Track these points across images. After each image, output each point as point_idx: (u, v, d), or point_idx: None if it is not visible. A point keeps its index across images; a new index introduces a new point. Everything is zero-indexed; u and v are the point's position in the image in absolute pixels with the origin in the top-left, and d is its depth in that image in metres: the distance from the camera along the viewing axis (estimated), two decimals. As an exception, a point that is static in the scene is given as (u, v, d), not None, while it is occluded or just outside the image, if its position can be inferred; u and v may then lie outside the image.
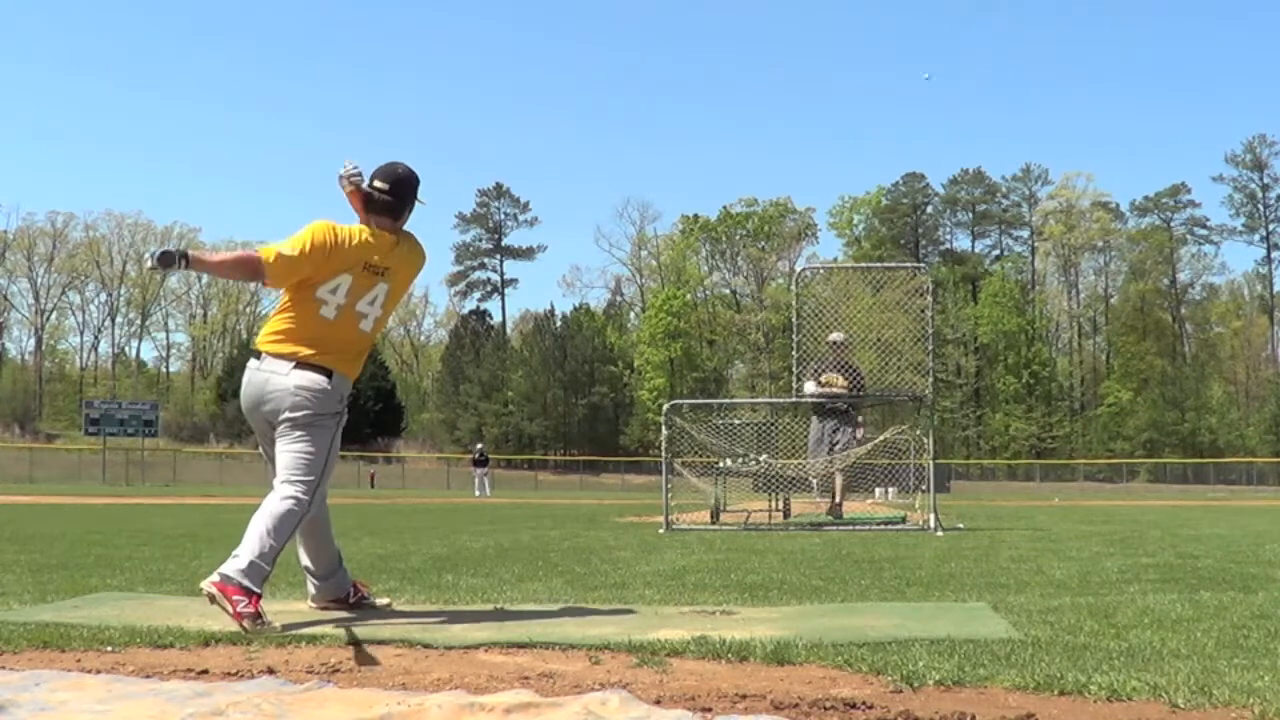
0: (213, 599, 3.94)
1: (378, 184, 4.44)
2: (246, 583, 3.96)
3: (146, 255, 4.14)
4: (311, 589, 4.57)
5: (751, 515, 12.50)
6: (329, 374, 4.28)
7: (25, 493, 30.24)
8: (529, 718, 2.53)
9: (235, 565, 4.00)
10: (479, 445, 45.93)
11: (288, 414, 4.27)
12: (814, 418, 12.36)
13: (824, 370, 11.88)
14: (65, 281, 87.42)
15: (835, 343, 11.75)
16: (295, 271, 4.25)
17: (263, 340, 4.36)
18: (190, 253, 4.20)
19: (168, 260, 4.07)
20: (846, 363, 11.84)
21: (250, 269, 4.29)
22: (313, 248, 4.26)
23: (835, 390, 11.84)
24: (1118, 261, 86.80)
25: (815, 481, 12.82)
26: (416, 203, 4.56)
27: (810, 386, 12.00)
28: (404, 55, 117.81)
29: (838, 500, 12.35)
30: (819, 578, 5.98)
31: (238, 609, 3.88)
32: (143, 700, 2.74)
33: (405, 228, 4.55)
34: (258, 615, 3.92)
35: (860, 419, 12.36)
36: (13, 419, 76.22)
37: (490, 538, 9.83)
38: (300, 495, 4.21)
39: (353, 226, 4.44)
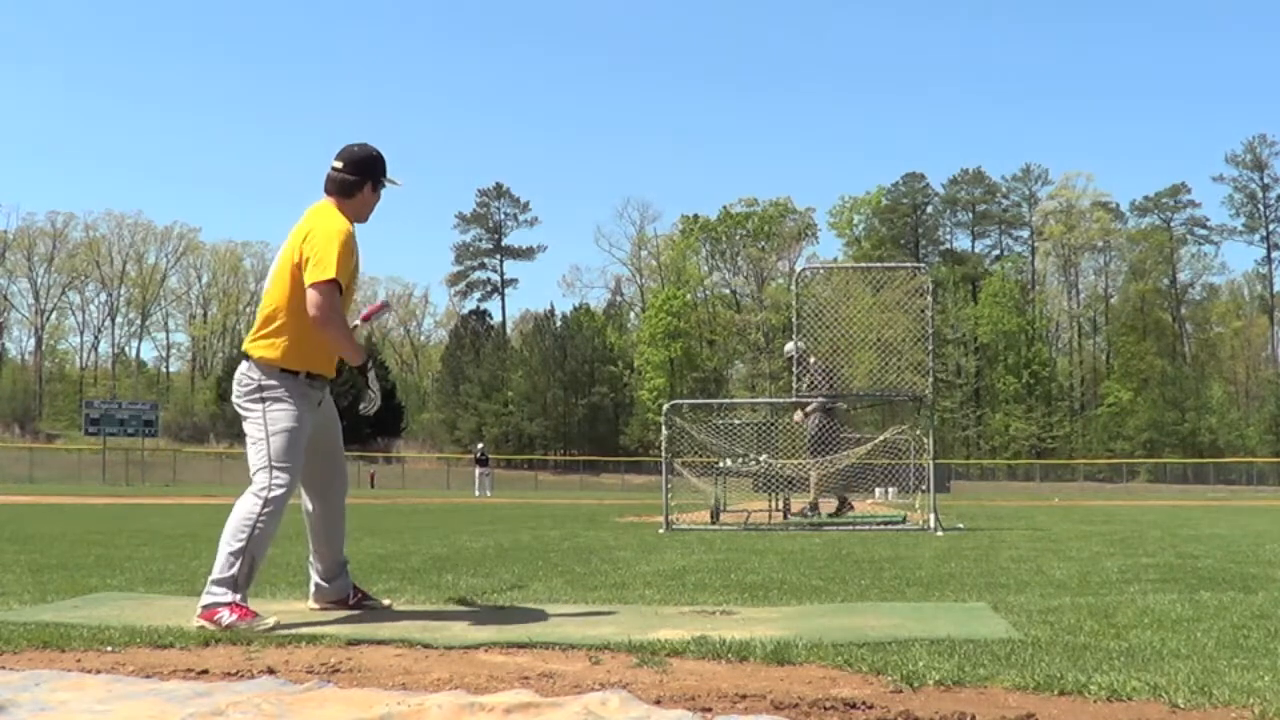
0: (204, 628, 3.97)
1: (335, 163, 4.45)
2: (216, 599, 4.04)
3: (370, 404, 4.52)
4: (313, 588, 4.58)
5: (751, 515, 12.51)
6: (246, 357, 4.37)
7: (25, 493, 30.25)
8: (529, 718, 2.53)
9: (206, 589, 4.12)
10: (479, 445, 45.87)
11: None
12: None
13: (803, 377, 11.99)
14: (65, 281, 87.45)
15: (791, 357, 11.82)
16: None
17: None
18: (358, 369, 4.44)
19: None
20: (804, 368, 11.86)
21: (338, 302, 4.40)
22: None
23: (811, 395, 11.97)
24: (1118, 261, 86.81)
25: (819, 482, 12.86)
26: (388, 183, 4.52)
27: (798, 416, 12.45)
28: (404, 55, 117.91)
29: (813, 498, 12.53)
30: (819, 578, 5.98)
31: (225, 624, 3.95)
32: (143, 700, 2.74)
33: (379, 206, 4.56)
34: (246, 617, 3.98)
35: (815, 404, 12.37)
36: (13, 419, 76.23)
37: (490, 538, 9.83)
38: (255, 491, 4.21)
39: None
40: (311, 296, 4.16)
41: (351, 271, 4.32)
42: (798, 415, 12.85)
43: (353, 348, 4.31)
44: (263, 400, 4.28)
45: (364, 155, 4.45)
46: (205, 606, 4.04)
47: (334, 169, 4.44)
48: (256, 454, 4.24)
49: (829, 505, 13.13)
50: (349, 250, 4.26)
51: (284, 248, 4.36)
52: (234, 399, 4.37)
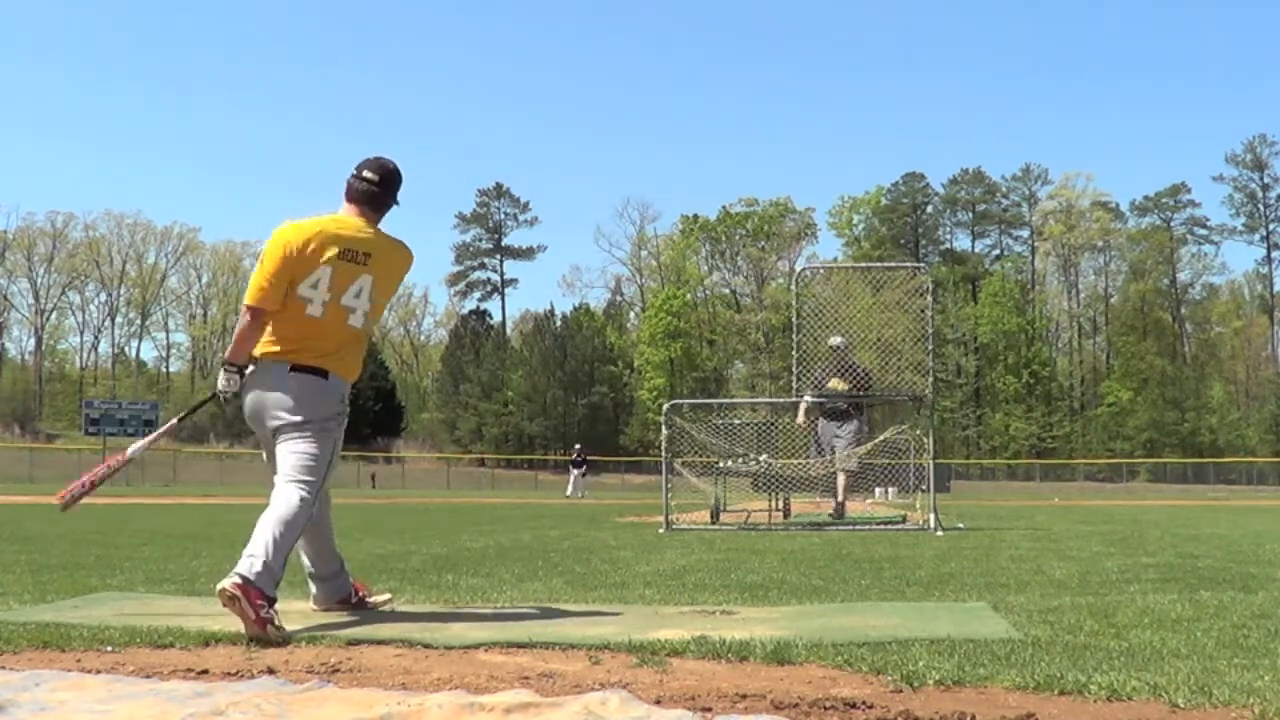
0: (235, 600, 3.76)
1: (367, 174, 4.35)
2: (263, 586, 3.84)
3: (220, 392, 4.38)
4: (314, 589, 4.55)
5: (751, 515, 12.50)
6: (325, 375, 4.24)
7: (25, 493, 30.22)
8: (529, 718, 2.53)
9: (252, 567, 3.87)
10: (578, 446, 45.98)
11: (287, 417, 4.22)
12: (821, 420, 12.40)
13: (827, 376, 11.91)
14: (65, 281, 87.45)
15: (835, 347, 11.79)
16: (277, 291, 4.21)
17: (259, 345, 4.28)
18: (226, 362, 4.33)
19: (229, 383, 4.30)
20: (848, 364, 11.87)
21: (253, 325, 4.25)
22: (279, 262, 4.21)
23: (839, 392, 11.88)
24: (1118, 261, 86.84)
25: (819, 482, 12.79)
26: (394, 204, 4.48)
27: (807, 398, 12.11)
28: (404, 55, 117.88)
29: (841, 499, 12.40)
30: (819, 578, 5.98)
31: (260, 614, 3.74)
32: (143, 700, 2.74)
33: (383, 228, 4.43)
34: (275, 621, 3.79)
35: (863, 414, 12.40)
36: (13, 419, 76.22)
37: (490, 538, 9.83)
38: (305, 495, 4.14)
39: (318, 217, 4.34)
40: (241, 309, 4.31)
41: (303, 271, 4.22)
42: (806, 400, 12.39)
43: (239, 347, 4.29)
44: (339, 419, 4.32)
45: (396, 171, 4.41)
46: (251, 585, 3.79)
47: (367, 180, 4.33)
48: (311, 466, 4.20)
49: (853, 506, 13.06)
50: (283, 265, 4.20)
51: (383, 272, 4.32)
52: (304, 413, 4.22)
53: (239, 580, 3.80)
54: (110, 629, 3.87)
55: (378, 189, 4.35)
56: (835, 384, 11.87)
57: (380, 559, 7.26)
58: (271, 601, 3.84)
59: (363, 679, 3.09)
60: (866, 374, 11.97)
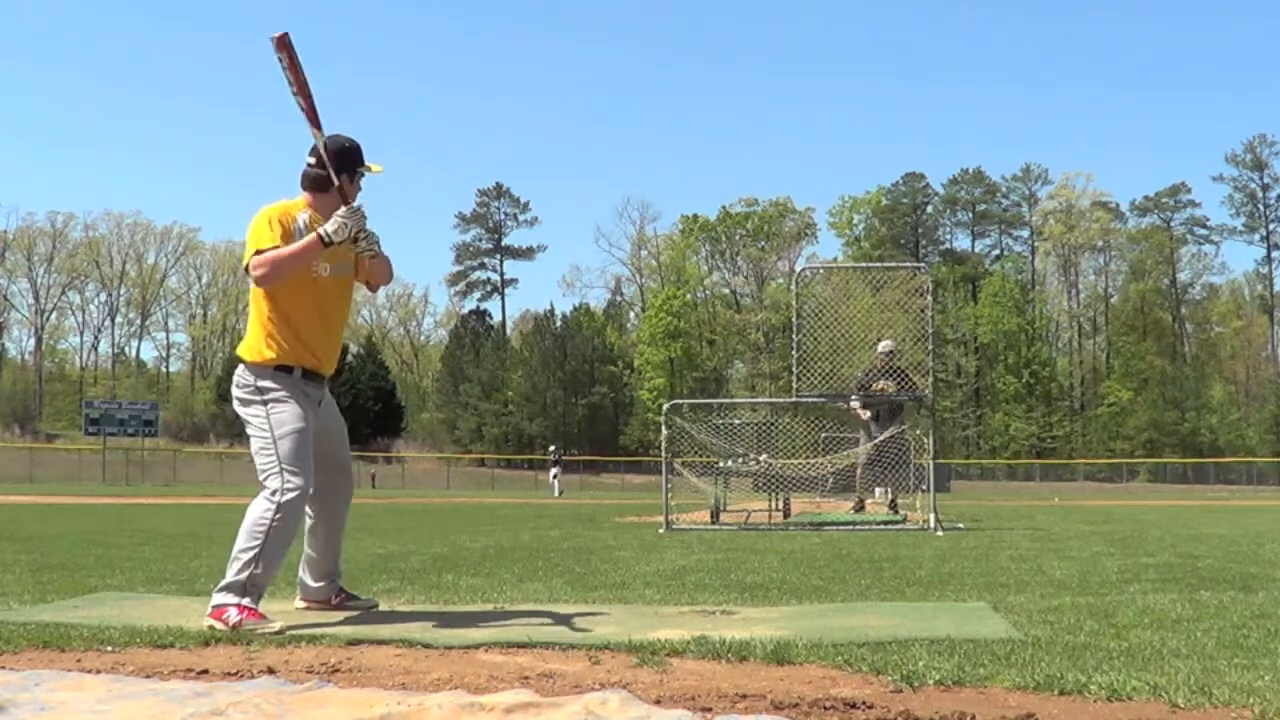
0: (213, 629, 3.94)
1: (308, 158, 4.38)
2: (227, 599, 4.02)
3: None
4: (300, 586, 4.59)
5: (751, 515, 12.50)
6: (239, 361, 4.38)
7: (25, 493, 30.23)
8: (529, 718, 2.53)
9: (218, 588, 4.10)
10: (552, 446, 46.28)
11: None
12: (871, 424, 12.45)
13: (875, 378, 12.01)
14: (65, 281, 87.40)
15: (886, 352, 11.92)
16: None
17: None
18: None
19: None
20: (896, 368, 11.96)
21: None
22: None
23: (887, 393, 12.01)
24: (1118, 261, 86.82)
25: (861, 482, 12.83)
26: (364, 170, 4.39)
27: (856, 403, 12.32)
28: (405, 55, 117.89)
29: (861, 496, 12.55)
30: (819, 578, 5.98)
31: (230, 623, 3.93)
32: (143, 700, 2.74)
33: (374, 200, 4.56)
34: (253, 618, 3.97)
35: (903, 416, 12.52)
36: (13, 419, 76.19)
37: (490, 538, 9.84)
38: (268, 495, 4.14)
39: None
40: (252, 275, 4.17)
41: (289, 232, 4.20)
42: (855, 403, 12.56)
43: (303, 249, 4.15)
44: (264, 401, 4.20)
45: (334, 149, 4.32)
46: (214, 606, 4.03)
47: (307, 164, 4.36)
48: (265, 457, 4.15)
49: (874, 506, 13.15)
50: (272, 223, 4.18)
51: None
52: (234, 404, 4.32)
53: (208, 611, 4.03)
54: (110, 629, 3.87)
55: (316, 169, 4.35)
56: (884, 385, 11.97)
57: (380, 559, 7.25)
58: (241, 606, 3.98)
59: (363, 679, 3.09)
60: (908, 375, 12.06)
